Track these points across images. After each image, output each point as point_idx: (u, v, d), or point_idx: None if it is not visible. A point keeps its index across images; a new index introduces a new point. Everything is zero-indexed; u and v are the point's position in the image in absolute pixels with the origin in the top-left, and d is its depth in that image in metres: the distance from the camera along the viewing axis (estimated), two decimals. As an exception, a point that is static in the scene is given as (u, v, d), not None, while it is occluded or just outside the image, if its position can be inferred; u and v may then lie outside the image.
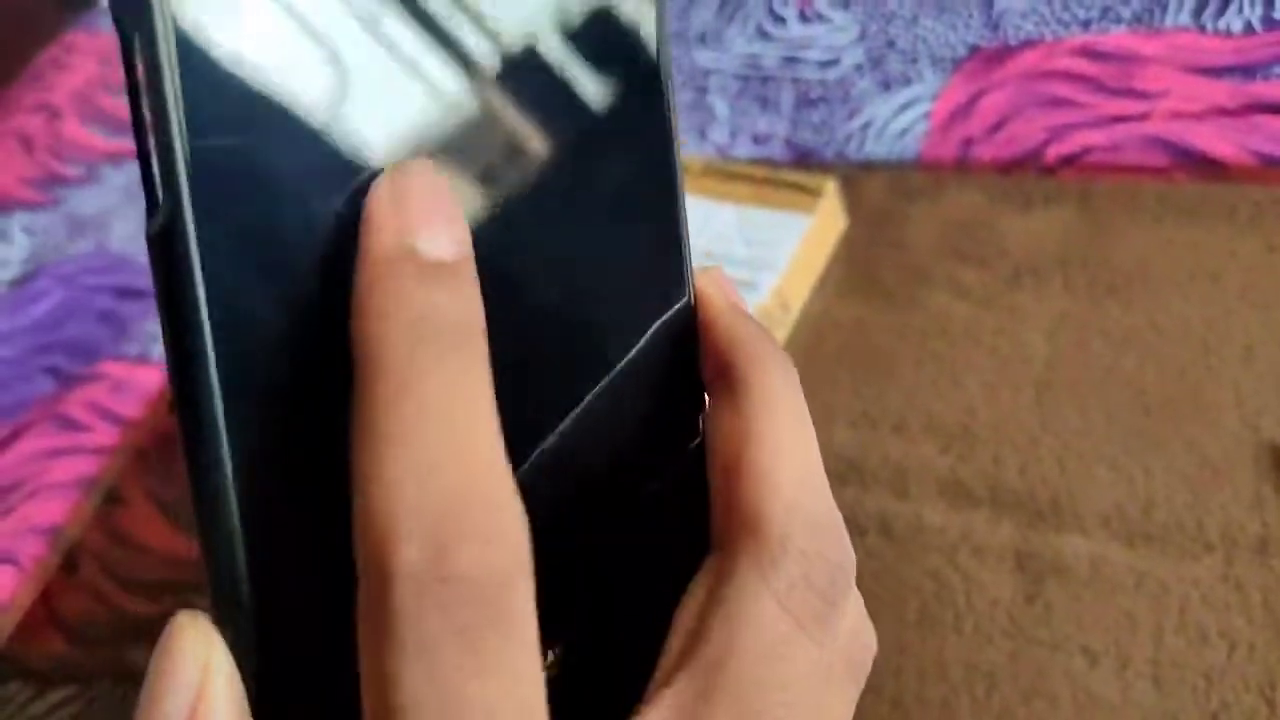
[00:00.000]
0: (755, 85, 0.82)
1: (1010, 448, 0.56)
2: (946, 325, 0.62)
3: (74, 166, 0.97)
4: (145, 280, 0.85)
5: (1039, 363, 0.59)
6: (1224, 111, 0.66)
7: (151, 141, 0.17)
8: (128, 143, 1.00)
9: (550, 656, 0.20)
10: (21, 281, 0.88)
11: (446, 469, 0.16)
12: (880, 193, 0.70)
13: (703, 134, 0.80)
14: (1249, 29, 0.70)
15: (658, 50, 0.22)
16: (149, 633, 0.63)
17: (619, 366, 0.22)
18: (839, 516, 0.21)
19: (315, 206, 0.18)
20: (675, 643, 0.20)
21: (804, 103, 0.79)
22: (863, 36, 0.81)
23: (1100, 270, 0.61)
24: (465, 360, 0.17)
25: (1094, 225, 0.63)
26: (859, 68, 0.80)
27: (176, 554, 0.65)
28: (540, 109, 0.20)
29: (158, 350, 0.78)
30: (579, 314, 0.21)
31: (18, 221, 0.94)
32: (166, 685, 0.18)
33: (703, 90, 0.83)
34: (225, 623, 0.19)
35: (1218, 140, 0.65)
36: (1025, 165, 0.69)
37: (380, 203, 0.17)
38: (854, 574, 0.21)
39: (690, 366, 0.23)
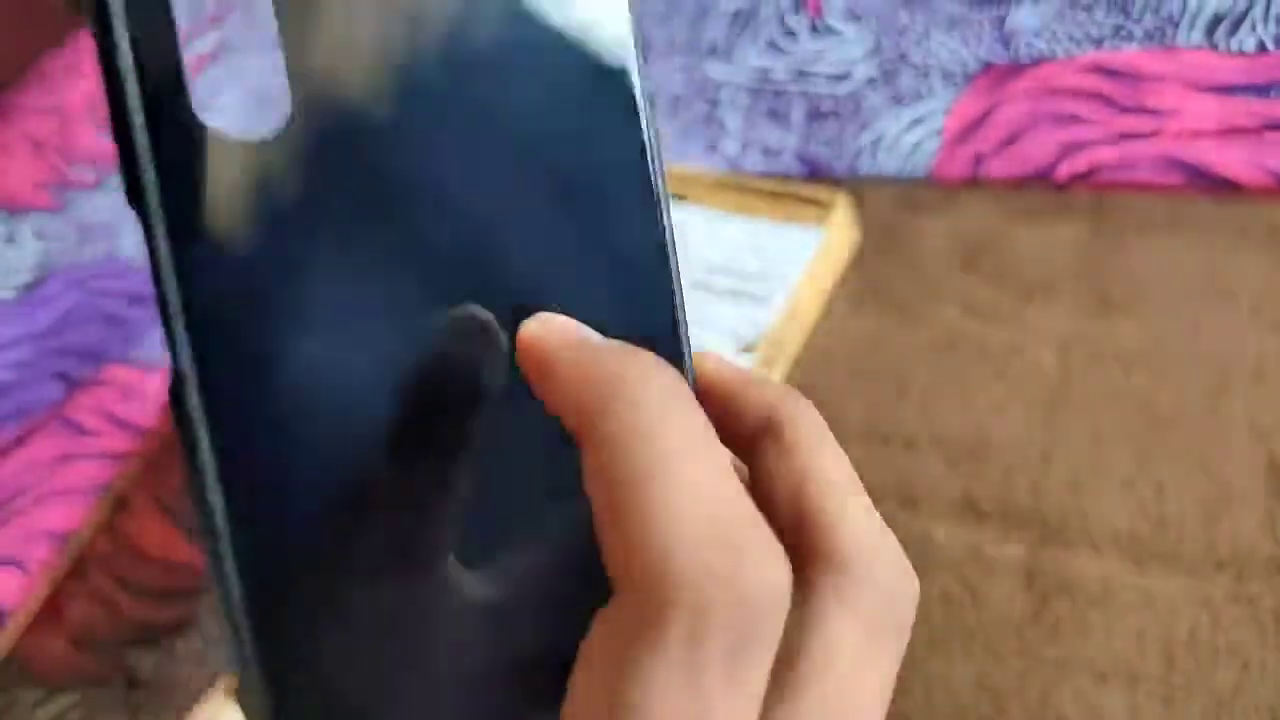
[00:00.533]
0: (767, 98, 0.82)
1: (1020, 465, 0.56)
2: (957, 341, 0.61)
3: (85, 171, 0.97)
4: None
5: (1050, 379, 0.58)
6: (1236, 130, 0.66)
7: (160, 313, 0.19)
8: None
9: None
10: (32, 286, 0.88)
11: (710, 496, 0.18)
12: (891, 208, 0.69)
13: (714, 147, 0.80)
14: (1262, 48, 0.70)
15: (650, 154, 0.23)
16: (155, 639, 0.63)
17: None
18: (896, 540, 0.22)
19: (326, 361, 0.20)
20: None
21: (815, 116, 0.79)
22: (875, 51, 0.81)
23: (1112, 287, 0.61)
24: (688, 404, 0.19)
25: (1105, 242, 0.63)
26: (871, 82, 0.80)
27: (183, 561, 0.65)
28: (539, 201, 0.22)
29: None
30: None
31: (29, 225, 0.94)
32: None
33: (714, 103, 0.83)
34: (246, 691, 0.21)
35: (1230, 159, 0.65)
36: (1037, 182, 0.69)
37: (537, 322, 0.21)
38: (918, 596, 0.22)
39: None
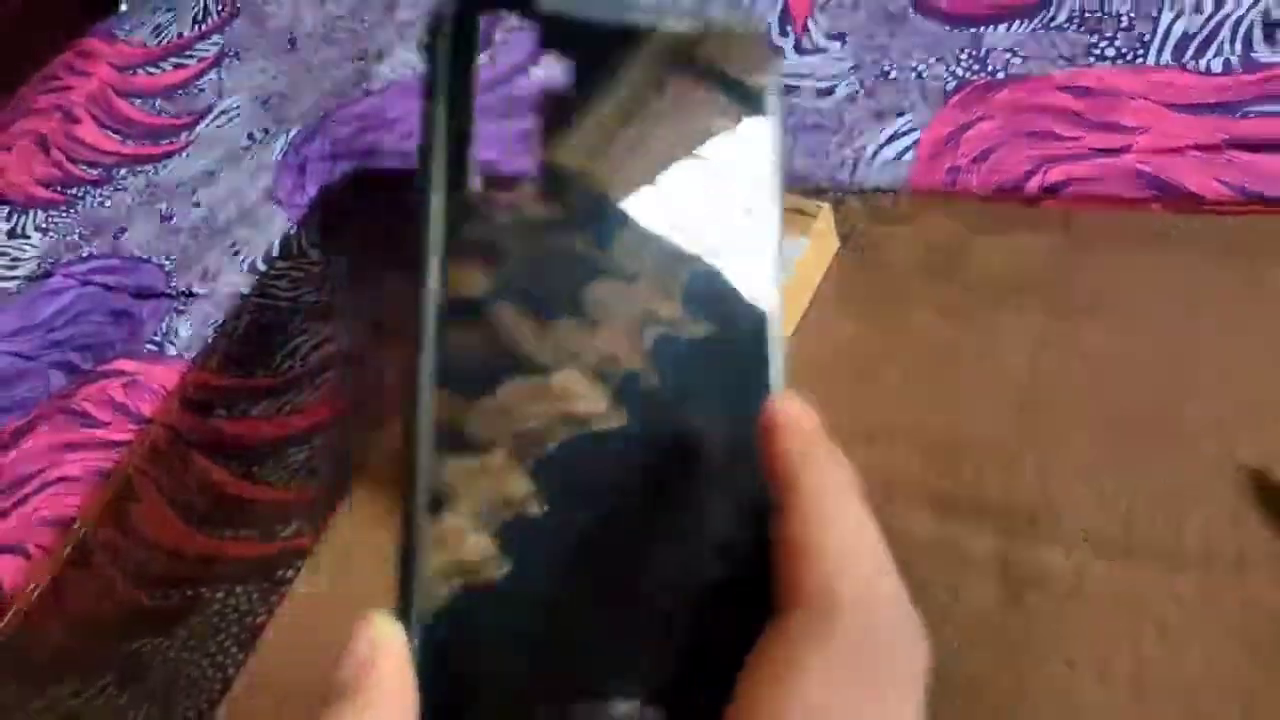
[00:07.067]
0: (753, 110, 0.84)
1: (992, 462, 0.57)
2: (932, 345, 0.63)
3: (89, 168, 0.99)
4: (160, 281, 0.87)
5: (1020, 381, 0.60)
6: (1203, 147, 0.69)
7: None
8: (143, 147, 1.02)
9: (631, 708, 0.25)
10: (36, 278, 0.89)
11: (869, 548, 0.25)
12: (870, 217, 0.71)
13: (701, 156, 0.82)
14: (1229, 69, 0.73)
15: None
16: (156, 626, 0.64)
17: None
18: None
19: None
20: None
21: (799, 129, 0.81)
22: (857, 67, 0.84)
23: (1080, 295, 0.63)
24: (857, 492, 0.26)
25: (1075, 252, 0.65)
26: (853, 97, 0.82)
27: (185, 548, 0.66)
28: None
29: (172, 349, 0.79)
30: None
31: (33, 220, 0.95)
32: (344, 658, 0.23)
33: (703, 114, 0.85)
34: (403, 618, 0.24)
35: (1196, 175, 0.67)
36: (1009, 194, 0.71)
37: (788, 409, 0.27)
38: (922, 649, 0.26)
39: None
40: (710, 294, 0.28)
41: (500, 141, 0.78)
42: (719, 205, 0.28)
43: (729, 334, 0.28)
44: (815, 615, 0.23)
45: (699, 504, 0.27)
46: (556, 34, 0.26)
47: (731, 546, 0.27)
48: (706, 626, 0.26)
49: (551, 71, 0.26)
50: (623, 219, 0.27)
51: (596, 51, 0.27)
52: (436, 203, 0.25)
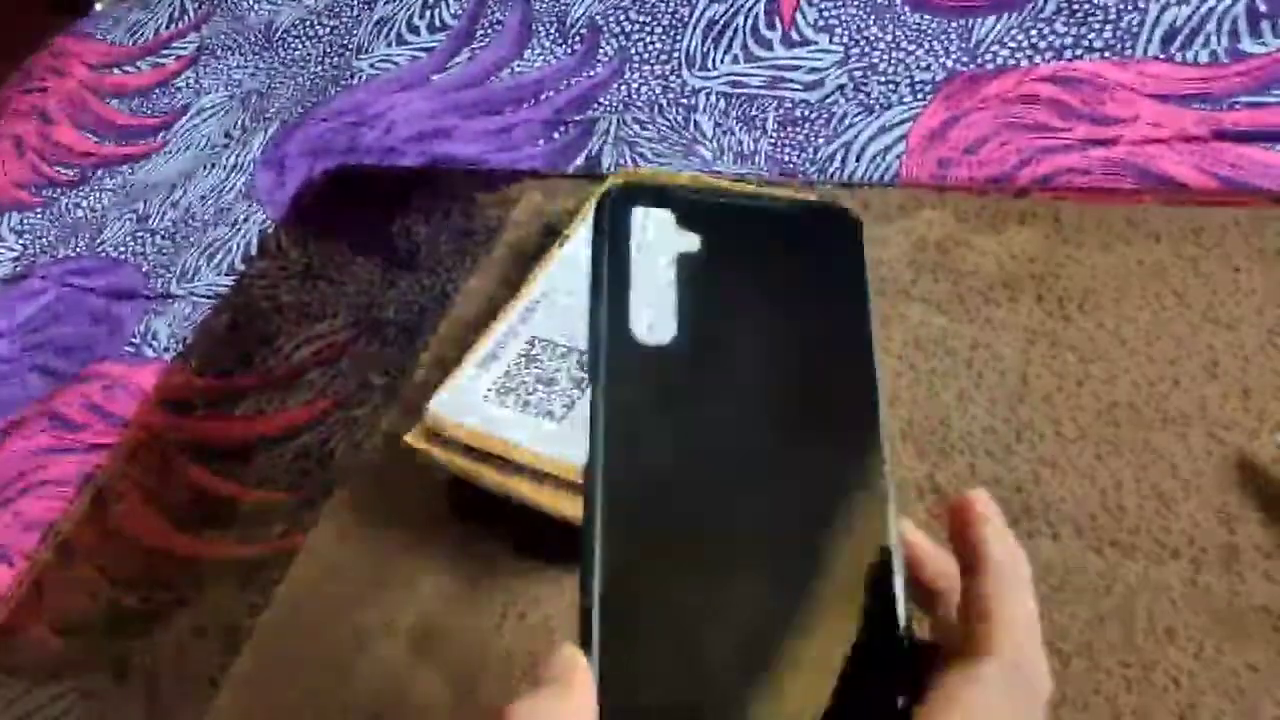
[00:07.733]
0: (741, 104, 0.84)
1: (985, 455, 0.57)
2: (923, 338, 0.63)
3: (65, 169, 0.98)
4: (139, 282, 0.86)
5: (1012, 374, 0.60)
6: (1190, 138, 0.69)
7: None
8: (119, 148, 1.01)
9: None
10: (12, 280, 0.88)
11: (1034, 625, 0.30)
12: (860, 211, 0.71)
13: (689, 151, 0.82)
14: (1215, 60, 0.73)
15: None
16: (141, 627, 0.63)
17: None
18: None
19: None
20: None
21: (787, 122, 0.81)
22: (845, 60, 0.84)
23: (1071, 287, 0.63)
24: (1029, 579, 0.31)
25: (1065, 245, 0.65)
26: (841, 89, 0.82)
27: (169, 550, 0.66)
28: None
29: (151, 350, 0.79)
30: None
31: (7, 222, 0.94)
32: (549, 659, 0.27)
33: (691, 109, 0.85)
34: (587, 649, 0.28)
35: (1184, 165, 0.68)
36: (999, 186, 0.71)
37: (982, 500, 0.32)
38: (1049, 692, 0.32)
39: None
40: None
41: (482, 138, 0.78)
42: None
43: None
44: (1005, 665, 0.29)
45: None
46: (696, 217, 0.32)
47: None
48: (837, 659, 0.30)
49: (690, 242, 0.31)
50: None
51: (723, 228, 0.32)
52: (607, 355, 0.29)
